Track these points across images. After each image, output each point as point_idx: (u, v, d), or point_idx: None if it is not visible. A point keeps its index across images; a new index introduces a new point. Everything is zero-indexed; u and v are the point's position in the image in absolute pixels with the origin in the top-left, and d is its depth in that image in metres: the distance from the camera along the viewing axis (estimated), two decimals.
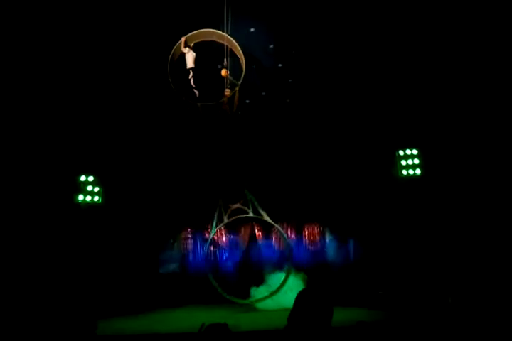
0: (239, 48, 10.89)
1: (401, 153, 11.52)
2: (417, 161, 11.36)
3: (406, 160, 11.43)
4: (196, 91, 11.09)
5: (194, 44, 11.23)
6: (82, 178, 11.46)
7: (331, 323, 2.55)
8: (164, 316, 10.54)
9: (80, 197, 11.32)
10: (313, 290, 2.69)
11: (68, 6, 10.43)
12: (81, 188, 11.39)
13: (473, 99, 10.74)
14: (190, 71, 11.07)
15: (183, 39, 10.88)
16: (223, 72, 10.82)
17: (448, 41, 10.69)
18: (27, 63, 10.51)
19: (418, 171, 11.32)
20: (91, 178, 11.51)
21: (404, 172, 11.41)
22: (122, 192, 11.97)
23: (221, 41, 10.93)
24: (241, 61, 10.99)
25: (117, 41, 11.11)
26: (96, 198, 11.58)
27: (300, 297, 2.61)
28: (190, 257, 12.78)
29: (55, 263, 10.53)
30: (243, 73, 10.82)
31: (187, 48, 11.03)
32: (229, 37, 10.67)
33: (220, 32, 10.80)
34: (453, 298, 8.95)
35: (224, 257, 12.60)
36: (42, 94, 10.85)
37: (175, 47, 10.94)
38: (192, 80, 11.04)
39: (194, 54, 11.14)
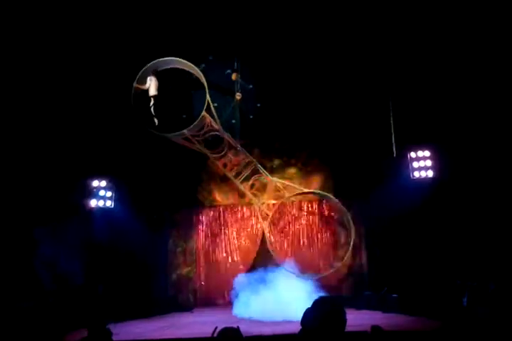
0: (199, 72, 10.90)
1: (413, 154, 11.48)
2: (429, 163, 11.32)
3: (418, 162, 11.39)
4: (155, 120, 11.22)
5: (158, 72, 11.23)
6: (95, 183, 11.57)
7: (344, 329, 2.53)
8: (178, 320, 10.55)
9: (93, 202, 11.44)
10: (328, 297, 2.69)
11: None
12: (94, 193, 11.50)
13: (486, 100, 10.64)
14: (152, 99, 11.24)
15: (135, 85, 10.90)
16: (234, 76, 10.87)
17: (461, 40, 10.61)
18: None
19: (430, 173, 11.27)
20: (103, 183, 11.62)
21: (417, 174, 11.37)
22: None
23: (183, 67, 11.10)
24: (201, 80, 10.89)
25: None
26: (108, 203, 11.69)
27: (316, 303, 2.60)
28: None
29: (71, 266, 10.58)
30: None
31: (148, 78, 11.11)
32: (188, 62, 10.81)
33: (180, 59, 10.88)
34: (468, 298, 8.83)
35: None
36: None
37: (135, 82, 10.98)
38: (152, 108, 11.20)
39: (157, 82, 11.33)
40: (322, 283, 10.86)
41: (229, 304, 11.32)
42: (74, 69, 10.89)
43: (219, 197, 13.29)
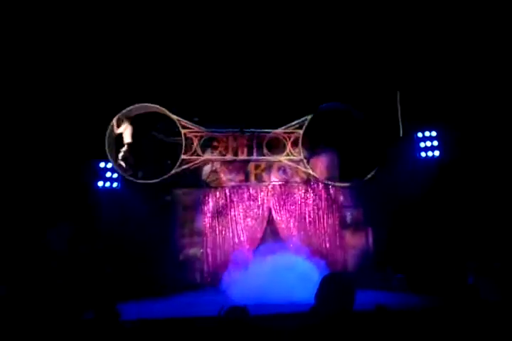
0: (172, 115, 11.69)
1: (420, 134, 11.41)
2: (436, 143, 11.25)
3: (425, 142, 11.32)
4: (122, 163, 11.42)
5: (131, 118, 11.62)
6: (101, 164, 11.63)
7: (353, 307, 2.57)
8: (185, 299, 10.67)
9: (100, 183, 11.52)
10: (338, 274, 2.72)
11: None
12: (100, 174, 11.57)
13: (494, 79, 10.51)
14: (126, 145, 11.24)
15: (114, 122, 11.29)
16: None
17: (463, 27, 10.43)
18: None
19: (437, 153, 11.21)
20: (110, 165, 11.67)
21: (423, 154, 11.32)
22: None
23: (155, 111, 11.69)
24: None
25: None
26: (115, 184, 11.76)
27: (325, 280, 2.63)
28: None
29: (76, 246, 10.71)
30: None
31: (123, 125, 11.29)
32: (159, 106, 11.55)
33: (150, 104, 11.52)
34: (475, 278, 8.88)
35: None
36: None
37: (108, 129, 11.36)
38: (122, 153, 11.34)
39: (130, 128, 11.38)
40: (328, 262, 10.96)
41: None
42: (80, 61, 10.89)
43: (225, 177, 13.34)
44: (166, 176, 11.65)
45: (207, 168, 12.94)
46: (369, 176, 11.71)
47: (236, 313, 3.34)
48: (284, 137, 12.06)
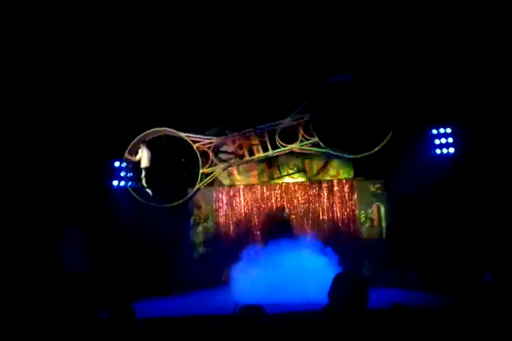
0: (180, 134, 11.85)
1: (434, 131, 11.27)
2: (450, 140, 11.12)
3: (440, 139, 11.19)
4: (149, 191, 11.26)
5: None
6: (116, 164, 11.71)
7: (367, 305, 2.55)
8: (199, 297, 10.71)
9: (115, 183, 11.59)
10: (351, 272, 2.71)
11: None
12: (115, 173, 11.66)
13: (509, 79, 10.35)
14: (143, 170, 11.28)
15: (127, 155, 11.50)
16: None
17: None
18: None
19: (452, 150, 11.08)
20: (124, 164, 11.74)
21: (438, 151, 11.19)
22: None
23: (165, 133, 11.91)
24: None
25: None
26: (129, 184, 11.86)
27: (338, 279, 2.62)
28: None
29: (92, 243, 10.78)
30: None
31: (140, 151, 11.41)
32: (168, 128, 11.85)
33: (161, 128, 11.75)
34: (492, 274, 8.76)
35: None
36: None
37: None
38: (144, 180, 11.21)
39: (149, 153, 11.42)
40: (341, 260, 10.91)
41: None
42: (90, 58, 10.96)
43: (238, 176, 13.37)
44: (191, 194, 11.94)
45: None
46: (380, 146, 11.34)
47: (251, 312, 3.33)
48: (293, 125, 11.86)
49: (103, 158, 11.55)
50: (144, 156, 11.60)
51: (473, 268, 9.36)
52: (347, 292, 2.54)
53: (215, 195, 13.34)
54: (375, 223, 12.61)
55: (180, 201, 11.93)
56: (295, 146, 11.69)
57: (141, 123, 11.77)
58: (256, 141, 11.89)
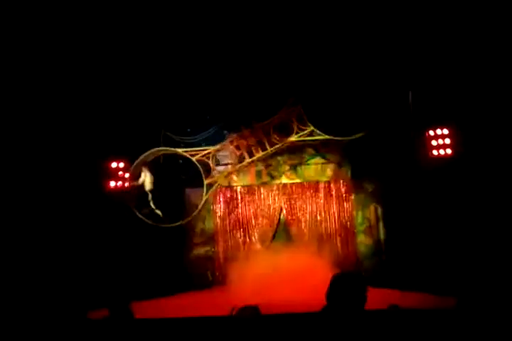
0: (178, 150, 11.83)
1: (431, 133, 11.29)
2: (448, 141, 11.13)
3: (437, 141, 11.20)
4: (159, 212, 11.31)
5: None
6: (113, 164, 11.66)
7: (364, 306, 2.56)
8: (196, 298, 10.70)
9: (112, 184, 11.55)
10: (349, 273, 2.72)
11: None
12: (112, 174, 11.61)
13: (507, 77, 10.37)
14: (149, 193, 11.26)
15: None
16: None
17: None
18: None
19: (449, 151, 11.09)
20: (122, 164, 11.70)
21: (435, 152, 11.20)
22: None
23: (161, 153, 11.95)
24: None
25: None
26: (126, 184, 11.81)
27: (336, 280, 2.62)
28: None
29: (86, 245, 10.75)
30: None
31: (142, 174, 11.41)
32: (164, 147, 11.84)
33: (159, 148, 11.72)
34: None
35: None
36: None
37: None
38: (152, 202, 11.20)
39: (149, 175, 11.49)
40: (339, 261, 10.93)
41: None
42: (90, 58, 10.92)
43: (236, 177, 13.37)
44: (200, 207, 11.99)
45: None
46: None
47: (248, 313, 3.33)
48: (286, 118, 11.85)
49: (99, 159, 11.50)
50: (146, 179, 11.58)
51: (472, 269, 9.38)
52: (344, 292, 2.54)
53: (212, 196, 13.33)
54: (372, 224, 12.64)
55: (191, 217, 12.04)
56: (292, 139, 11.69)
57: (140, 124, 11.74)
58: (253, 141, 11.89)
